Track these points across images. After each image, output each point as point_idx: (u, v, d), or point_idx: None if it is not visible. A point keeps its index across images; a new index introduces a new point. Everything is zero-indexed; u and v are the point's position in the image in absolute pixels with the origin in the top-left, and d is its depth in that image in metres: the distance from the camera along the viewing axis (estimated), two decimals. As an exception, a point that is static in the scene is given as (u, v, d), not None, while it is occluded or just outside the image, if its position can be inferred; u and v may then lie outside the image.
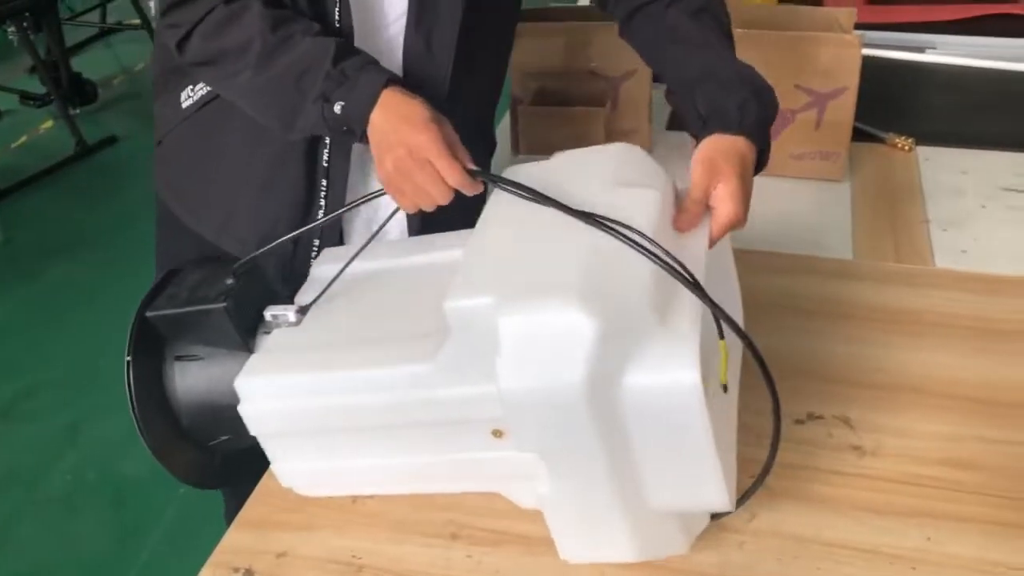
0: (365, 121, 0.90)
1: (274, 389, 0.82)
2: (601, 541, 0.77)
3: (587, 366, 0.66)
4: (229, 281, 0.85)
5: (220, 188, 1.07)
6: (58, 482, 2.00)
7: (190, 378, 0.87)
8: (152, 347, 0.88)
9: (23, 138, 3.68)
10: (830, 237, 1.23)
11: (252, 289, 0.88)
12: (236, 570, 0.82)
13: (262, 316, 0.87)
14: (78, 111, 3.69)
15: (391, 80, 0.90)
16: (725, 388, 0.75)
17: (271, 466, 0.88)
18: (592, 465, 0.70)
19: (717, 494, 0.71)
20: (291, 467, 0.87)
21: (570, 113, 1.34)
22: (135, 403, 0.85)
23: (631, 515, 0.74)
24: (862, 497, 0.85)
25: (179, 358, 0.88)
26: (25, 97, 3.80)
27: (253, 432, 0.83)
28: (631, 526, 0.74)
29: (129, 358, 0.86)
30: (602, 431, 0.68)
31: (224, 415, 0.84)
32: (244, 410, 0.82)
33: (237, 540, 0.85)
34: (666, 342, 0.68)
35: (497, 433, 0.76)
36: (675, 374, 0.66)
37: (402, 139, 0.87)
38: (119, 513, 1.87)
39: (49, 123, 3.77)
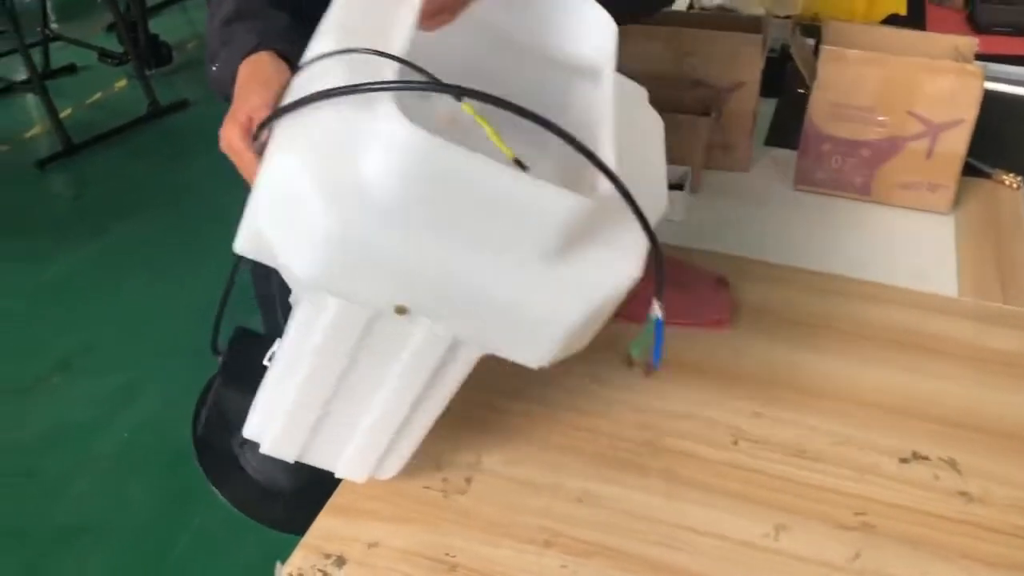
0: (231, 82, 0.82)
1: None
2: None
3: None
4: None
5: None
6: (114, 440, 2.01)
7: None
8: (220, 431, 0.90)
9: (98, 95, 3.72)
10: (934, 270, 1.19)
11: None
12: (328, 556, 0.82)
13: None
14: (153, 72, 3.72)
15: (269, 44, 0.82)
16: (520, 164, 0.67)
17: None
18: None
19: None
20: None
21: (674, 120, 1.31)
22: (212, 481, 0.89)
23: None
24: (969, 545, 0.83)
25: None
26: (103, 54, 3.84)
27: None
28: None
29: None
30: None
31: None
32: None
33: (328, 526, 0.85)
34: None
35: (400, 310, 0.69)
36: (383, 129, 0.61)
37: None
38: (173, 477, 1.88)
39: (123, 82, 3.80)
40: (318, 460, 0.84)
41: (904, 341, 1.06)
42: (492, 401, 0.97)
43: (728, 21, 1.48)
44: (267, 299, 1.04)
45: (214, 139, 0.77)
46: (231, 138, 0.77)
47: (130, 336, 2.35)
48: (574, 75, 0.84)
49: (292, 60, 0.80)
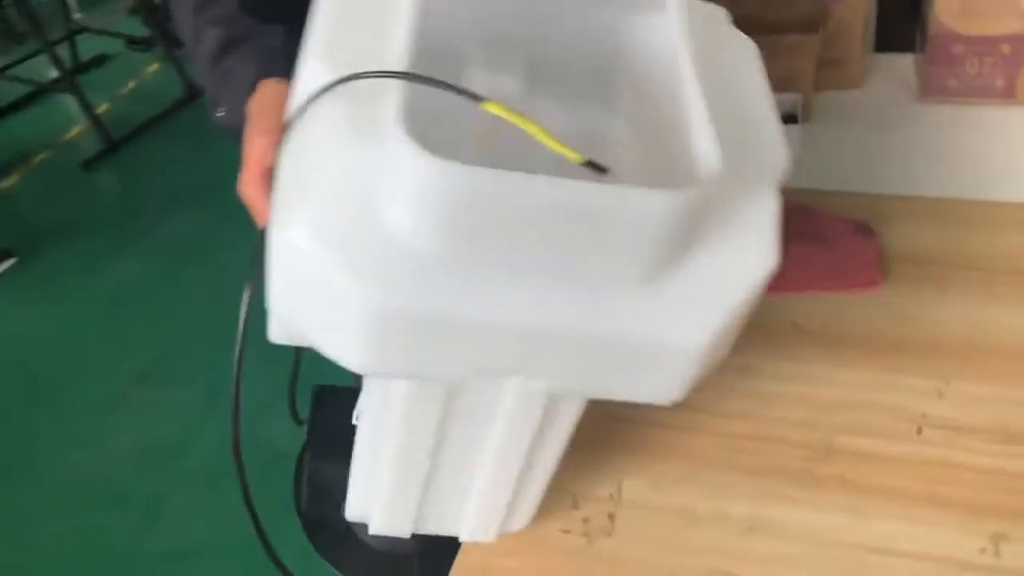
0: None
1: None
2: None
3: None
4: None
5: None
6: (205, 452, 1.94)
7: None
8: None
9: (131, 84, 3.62)
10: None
11: None
12: (469, 635, 0.70)
13: None
14: (182, 51, 3.59)
15: (269, 71, 0.71)
16: (595, 166, 0.50)
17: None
18: None
19: None
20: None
21: (778, 43, 1.13)
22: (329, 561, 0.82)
23: None
24: None
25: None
26: (131, 41, 3.73)
27: None
28: None
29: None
30: None
31: None
32: None
33: (461, 593, 0.73)
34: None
35: None
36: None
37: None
38: (271, 484, 1.79)
39: (155, 67, 3.69)
40: (437, 529, 0.73)
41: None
42: (619, 412, 0.83)
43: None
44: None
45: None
46: (246, 191, 0.68)
47: (204, 340, 2.26)
48: (628, 9, 0.64)
49: None
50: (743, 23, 1.20)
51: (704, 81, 0.54)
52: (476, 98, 0.48)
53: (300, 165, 0.52)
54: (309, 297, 0.51)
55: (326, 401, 0.87)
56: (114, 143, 3.15)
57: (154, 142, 3.20)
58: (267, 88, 0.72)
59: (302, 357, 0.82)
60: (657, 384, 0.56)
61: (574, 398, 0.62)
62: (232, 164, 0.87)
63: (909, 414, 0.80)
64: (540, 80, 0.62)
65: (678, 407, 0.82)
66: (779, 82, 1.16)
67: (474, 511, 0.71)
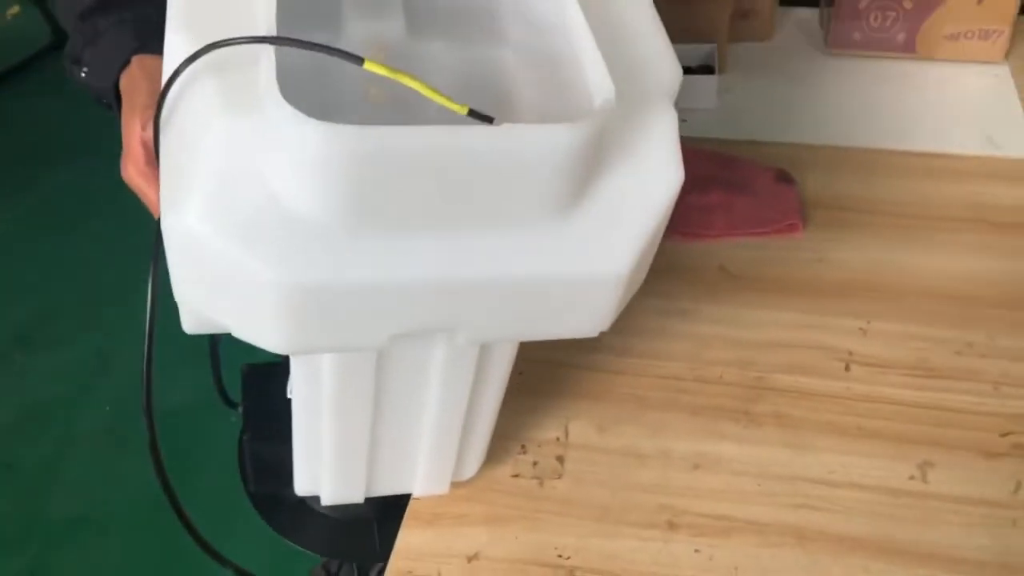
0: (113, 89, 0.72)
1: None
2: None
3: None
4: None
5: None
6: (97, 414, 1.85)
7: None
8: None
9: (-10, 28, 3.37)
10: (1003, 131, 1.07)
11: None
12: (425, 581, 0.70)
13: None
14: (46, -6, 3.36)
15: (149, 46, 0.70)
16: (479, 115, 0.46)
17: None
18: None
19: None
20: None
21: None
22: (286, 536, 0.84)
23: None
24: None
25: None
26: (-14, -19, 3.46)
27: None
28: None
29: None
30: None
31: None
32: None
33: (415, 541, 0.72)
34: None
35: None
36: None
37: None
38: (167, 447, 1.73)
39: (16, 9, 3.44)
40: (389, 489, 0.73)
41: (1000, 221, 0.95)
42: (562, 358, 0.85)
43: None
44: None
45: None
46: (129, 175, 0.67)
47: (90, 295, 2.14)
48: None
49: None
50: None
51: (587, 6, 0.53)
52: (354, 58, 0.45)
53: (181, 146, 0.48)
54: (213, 283, 0.48)
55: (257, 380, 0.85)
56: (-27, 91, 2.94)
57: (18, 91, 2.99)
58: (141, 62, 0.69)
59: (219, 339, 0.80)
60: (583, 317, 0.54)
61: (503, 346, 0.62)
62: (110, 118, 0.83)
63: (836, 352, 0.84)
64: (424, 20, 0.59)
65: (619, 352, 0.85)
66: (696, 32, 1.18)
67: (423, 466, 0.71)
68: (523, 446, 0.78)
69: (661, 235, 0.55)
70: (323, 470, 0.69)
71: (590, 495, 0.74)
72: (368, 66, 0.45)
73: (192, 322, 0.55)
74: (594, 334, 0.56)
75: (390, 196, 0.45)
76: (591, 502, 0.74)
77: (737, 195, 0.98)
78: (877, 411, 0.78)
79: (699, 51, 1.16)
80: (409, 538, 0.72)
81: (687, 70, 1.15)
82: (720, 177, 1.00)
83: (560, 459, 0.77)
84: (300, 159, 0.43)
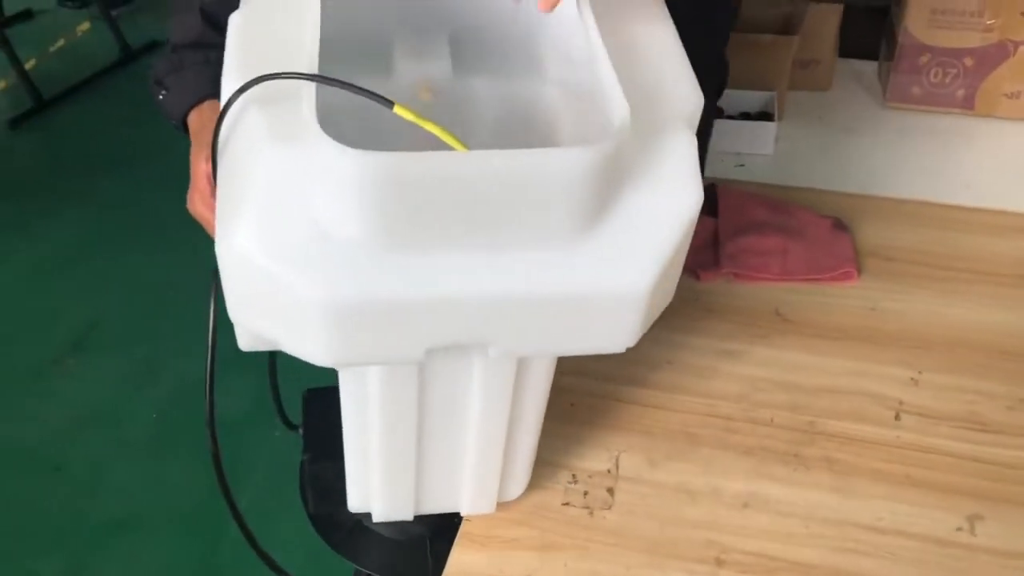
0: (183, 118, 0.79)
1: None
2: None
3: None
4: None
5: None
6: (144, 421, 1.89)
7: None
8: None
9: (61, 42, 3.47)
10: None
11: None
12: (478, 602, 0.71)
13: None
14: (118, 12, 3.47)
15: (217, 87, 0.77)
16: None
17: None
18: None
19: None
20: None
21: (755, 42, 1.18)
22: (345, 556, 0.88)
23: None
24: None
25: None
26: (62, -3, 3.58)
27: None
28: None
29: None
30: None
31: None
32: None
33: (467, 562, 0.74)
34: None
35: None
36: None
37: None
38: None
39: (87, 25, 3.55)
40: (437, 507, 0.75)
41: (1055, 279, 0.95)
42: (612, 392, 0.87)
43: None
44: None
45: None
46: (195, 207, 0.74)
47: (142, 306, 2.20)
48: None
49: None
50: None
51: (611, 39, 0.56)
52: (385, 102, 0.50)
53: (235, 176, 0.53)
54: (264, 302, 0.52)
55: (317, 403, 0.88)
56: (43, 102, 3.02)
57: (86, 103, 3.08)
58: (213, 106, 0.76)
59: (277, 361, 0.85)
60: (609, 332, 0.56)
61: (536, 358, 0.64)
62: (169, 130, 0.87)
63: (887, 401, 0.85)
64: (469, 60, 0.64)
65: (670, 389, 0.86)
66: (757, 79, 1.21)
67: (469, 483, 0.73)
68: (574, 475, 0.80)
69: (684, 254, 0.57)
70: (373, 486, 0.72)
71: (640, 528, 0.76)
72: (398, 110, 0.50)
73: (247, 340, 0.59)
74: (621, 349, 0.58)
75: (421, 217, 0.49)
76: (640, 534, 0.75)
77: (794, 241, 1.00)
78: (927, 461, 0.79)
79: (759, 98, 1.19)
80: (461, 559, 0.74)
81: (747, 116, 1.18)
82: (777, 222, 1.02)
83: (611, 490, 0.79)
84: (338, 184, 0.48)
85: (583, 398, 0.85)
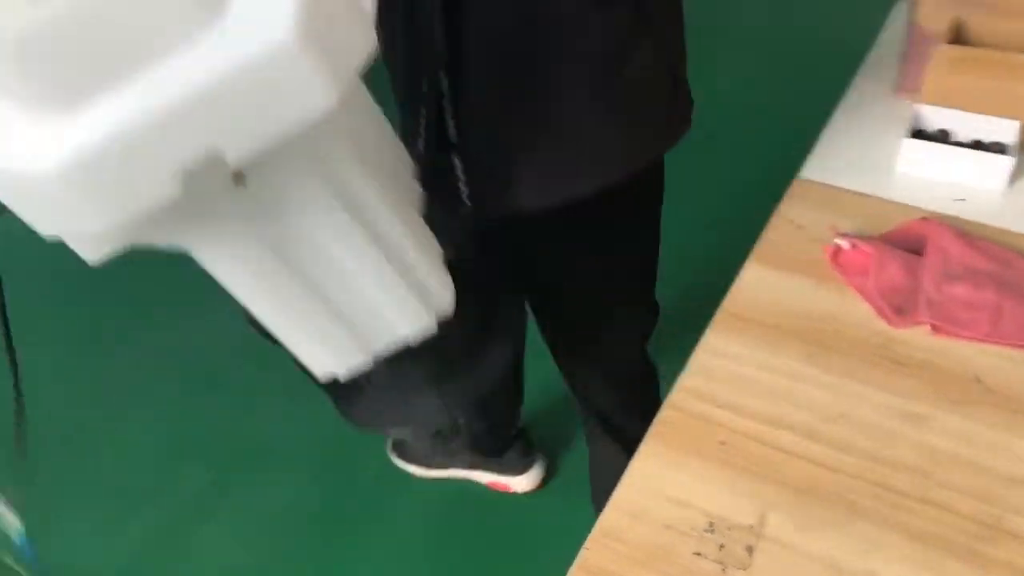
0: None
1: None
2: None
3: None
4: None
5: None
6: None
7: None
8: None
9: None
10: None
11: None
12: (583, 646, 0.66)
13: None
14: None
15: None
16: None
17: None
18: None
19: None
20: None
21: (1002, 60, 1.03)
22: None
23: None
24: None
25: None
26: None
27: None
28: None
29: None
30: None
31: None
32: None
33: (579, 597, 0.68)
34: None
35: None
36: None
37: None
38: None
39: None
40: (380, 341, 0.73)
41: None
42: (774, 437, 0.78)
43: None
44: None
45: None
46: None
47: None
48: None
49: None
50: (967, 34, 1.10)
51: None
52: None
53: None
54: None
55: None
56: None
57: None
58: None
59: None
60: (301, 95, 0.54)
61: (261, 154, 0.58)
62: None
63: (1098, 508, 0.72)
64: None
65: (838, 446, 0.77)
66: (997, 106, 1.05)
67: (390, 311, 0.71)
68: (711, 524, 0.72)
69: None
70: (309, 343, 0.71)
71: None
72: None
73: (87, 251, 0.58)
74: (328, 105, 0.54)
75: (64, 68, 0.48)
76: (775, 603, 0.67)
77: (1013, 299, 0.87)
78: None
79: (996, 125, 1.04)
80: (574, 591, 0.69)
81: (977, 145, 1.04)
82: (996, 274, 0.89)
83: (749, 549, 0.71)
84: None
85: (737, 438, 0.77)
